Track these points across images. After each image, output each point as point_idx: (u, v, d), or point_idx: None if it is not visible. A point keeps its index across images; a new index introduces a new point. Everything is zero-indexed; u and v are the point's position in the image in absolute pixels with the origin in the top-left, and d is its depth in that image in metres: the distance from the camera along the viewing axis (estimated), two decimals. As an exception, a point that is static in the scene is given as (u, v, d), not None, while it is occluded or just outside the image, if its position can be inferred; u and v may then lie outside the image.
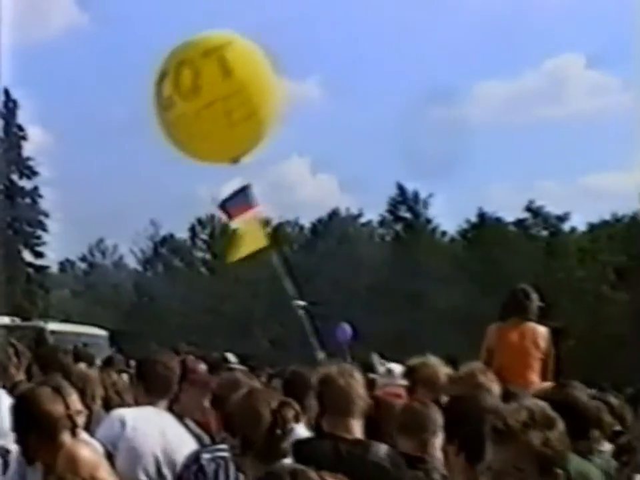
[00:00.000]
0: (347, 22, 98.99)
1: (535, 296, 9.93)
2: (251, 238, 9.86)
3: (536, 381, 8.81)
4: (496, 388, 6.30)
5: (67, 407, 5.87)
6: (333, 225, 69.16)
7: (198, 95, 9.04)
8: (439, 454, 5.87)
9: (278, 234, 56.91)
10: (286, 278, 9.68)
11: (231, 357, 13.04)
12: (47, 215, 60.10)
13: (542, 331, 9.56)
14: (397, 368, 10.85)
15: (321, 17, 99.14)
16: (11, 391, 7.62)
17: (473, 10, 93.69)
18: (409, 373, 7.93)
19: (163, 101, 9.23)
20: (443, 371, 7.20)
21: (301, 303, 9.80)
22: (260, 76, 9.48)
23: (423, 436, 6.11)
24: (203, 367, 7.48)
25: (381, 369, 11.05)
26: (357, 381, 5.97)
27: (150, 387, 6.93)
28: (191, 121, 9.18)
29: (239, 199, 9.86)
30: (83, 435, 6.00)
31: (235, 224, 10.06)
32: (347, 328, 27.87)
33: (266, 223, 10.17)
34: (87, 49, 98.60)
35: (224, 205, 10.06)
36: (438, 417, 6.21)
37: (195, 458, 5.73)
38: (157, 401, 6.85)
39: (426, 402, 6.59)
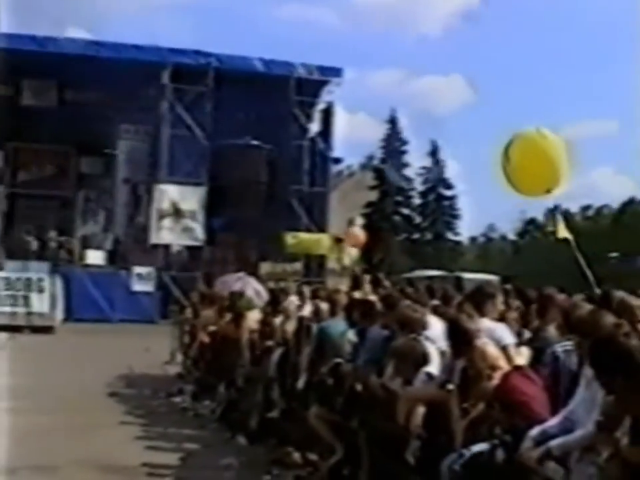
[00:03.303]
0: None
1: None
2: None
3: None
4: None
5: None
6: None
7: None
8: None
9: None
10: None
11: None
12: (458, 210, 61.93)
13: None
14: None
15: None
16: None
17: None
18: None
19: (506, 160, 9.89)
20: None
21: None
22: (560, 141, 9.96)
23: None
24: (560, 297, 7.51)
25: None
26: None
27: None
28: (521, 167, 9.86)
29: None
30: (486, 340, 6.14)
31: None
32: None
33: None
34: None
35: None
36: None
37: (552, 351, 5.82)
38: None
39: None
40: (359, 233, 22.98)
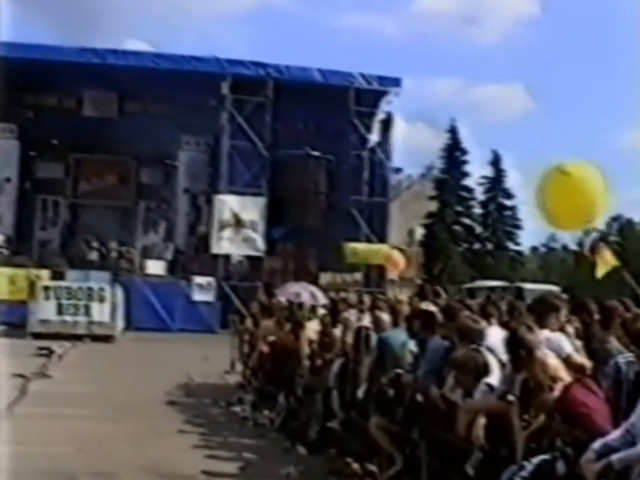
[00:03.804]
0: None
1: None
2: (607, 262, 10.27)
3: None
4: None
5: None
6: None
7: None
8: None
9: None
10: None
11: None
12: (519, 220, 61.52)
13: None
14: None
15: None
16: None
17: None
18: None
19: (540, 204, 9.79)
20: None
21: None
22: (586, 171, 9.46)
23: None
24: (620, 308, 7.56)
25: None
26: None
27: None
28: (554, 212, 9.61)
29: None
30: (547, 351, 6.13)
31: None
32: None
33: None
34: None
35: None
36: None
37: (614, 362, 5.79)
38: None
39: None
40: (398, 259, 23.14)
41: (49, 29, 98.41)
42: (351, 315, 11.36)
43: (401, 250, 25.72)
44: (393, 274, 25.32)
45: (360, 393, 8.62)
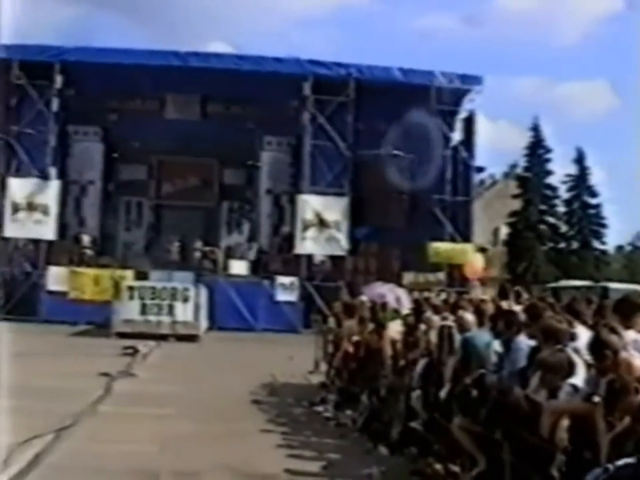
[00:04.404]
0: None
1: None
2: None
3: None
4: None
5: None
6: None
7: None
8: None
9: None
10: None
11: None
12: (604, 219, 60.32)
13: None
14: None
15: None
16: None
17: None
18: None
19: None
20: None
21: None
22: None
23: None
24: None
25: None
26: None
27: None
28: None
29: None
30: (633, 352, 6.11)
31: None
32: None
33: None
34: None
35: None
36: None
37: None
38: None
39: None
40: (477, 264, 23.07)
41: (132, 33, 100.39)
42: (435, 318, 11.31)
43: (483, 250, 25.63)
44: (472, 278, 25.29)
45: (443, 393, 8.61)
